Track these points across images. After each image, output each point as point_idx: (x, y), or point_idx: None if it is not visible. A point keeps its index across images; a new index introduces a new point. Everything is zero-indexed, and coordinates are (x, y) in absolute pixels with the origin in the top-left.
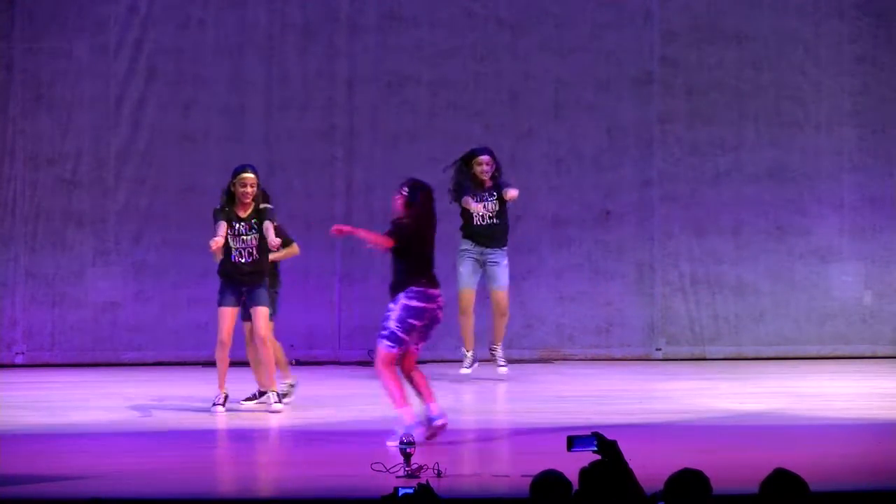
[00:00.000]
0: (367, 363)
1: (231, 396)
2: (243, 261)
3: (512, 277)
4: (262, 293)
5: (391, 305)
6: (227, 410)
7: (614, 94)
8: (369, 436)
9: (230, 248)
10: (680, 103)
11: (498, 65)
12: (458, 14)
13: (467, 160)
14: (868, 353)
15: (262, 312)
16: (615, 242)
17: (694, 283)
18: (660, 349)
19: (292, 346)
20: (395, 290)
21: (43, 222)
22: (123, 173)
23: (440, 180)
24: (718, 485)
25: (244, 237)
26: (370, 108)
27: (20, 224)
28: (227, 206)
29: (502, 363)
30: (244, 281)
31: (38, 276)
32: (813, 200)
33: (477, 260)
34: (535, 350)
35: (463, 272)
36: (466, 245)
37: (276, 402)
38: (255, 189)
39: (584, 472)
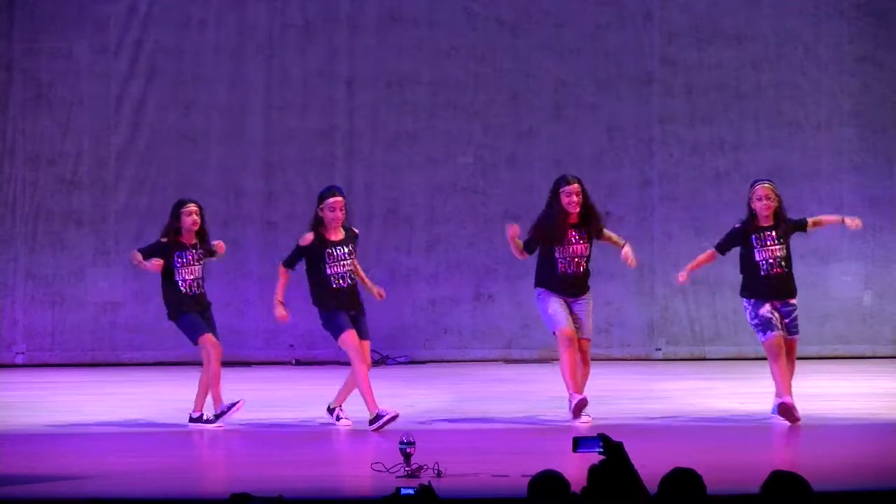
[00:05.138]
0: None
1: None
2: (344, 285)
3: (509, 277)
4: (365, 323)
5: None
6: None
7: (614, 94)
8: (369, 436)
9: (327, 276)
10: (680, 103)
11: (498, 65)
12: (458, 14)
13: (554, 190)
14: (868, 353)
15: (367, 344)
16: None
17: (694, 283)
18: (660, 349)
19: (292, 346)
20: None
21: (43, 222)
22: (123, 173)
23: (444, 181)
24: (718, 485)
25: (342, 262)
26: (370, 108)
27: (20, 224)
28: (318, 233)
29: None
30: (350, 307)
31: (38, 276)
32: (813, 200)
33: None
34: (534, 350)
35: (559, 309)
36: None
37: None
38: (344, 212)
39: (594, 470)
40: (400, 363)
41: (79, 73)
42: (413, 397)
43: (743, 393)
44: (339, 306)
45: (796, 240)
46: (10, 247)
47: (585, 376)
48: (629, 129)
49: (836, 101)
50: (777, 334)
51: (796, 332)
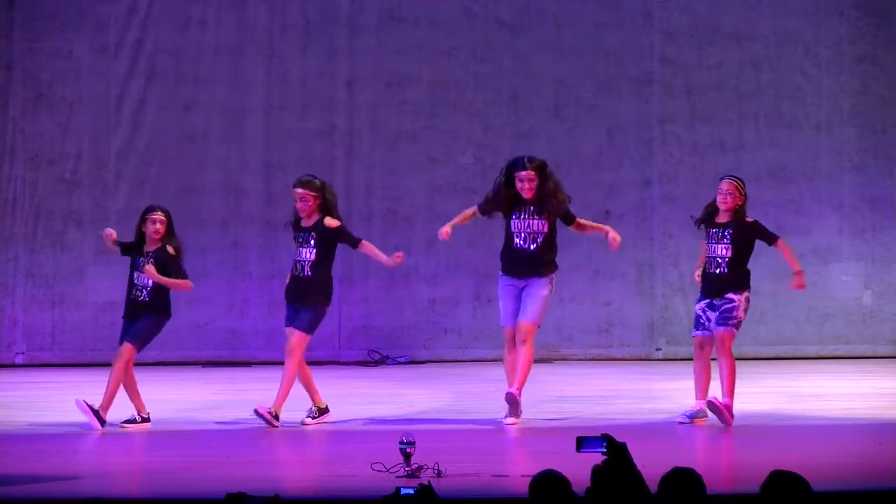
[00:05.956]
0: (368, 363)
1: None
2: (295, 275)
3: None
4: (304, 314)
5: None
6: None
7: (614, 94)
8: (369, 436)
9: (293, 261)
10: (680, 103)
11: (498, 65)
12: (458, 14)
13: (508, 172)
14: (868, 353)
15: (291, 334)
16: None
17: (694, 283)
18: (660, 349)
19: None
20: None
21: (43, 222)
22: (123, 173)
23: (443, 181)
24: (718, 485)
25: (301, 249)
26: (370, 108)
27: (20, 224)
28: (295, 216)
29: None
30: (293, 299)
31: (38, 276)
32: (813, 200)
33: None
34: (534, 350)
35: (506, 304)
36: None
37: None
38: (306, 203)
39: (597, 471)
40: (400, 363)
41: (79, 73)
42: (413, 397)
43: (743, 393)
44: (287, 296)
45: (796, 240)
46: (10, 247)
47: (523, 361)
48: (629, 129)
49: (836, 101)
50: (698, 335)
51: (723, 325)
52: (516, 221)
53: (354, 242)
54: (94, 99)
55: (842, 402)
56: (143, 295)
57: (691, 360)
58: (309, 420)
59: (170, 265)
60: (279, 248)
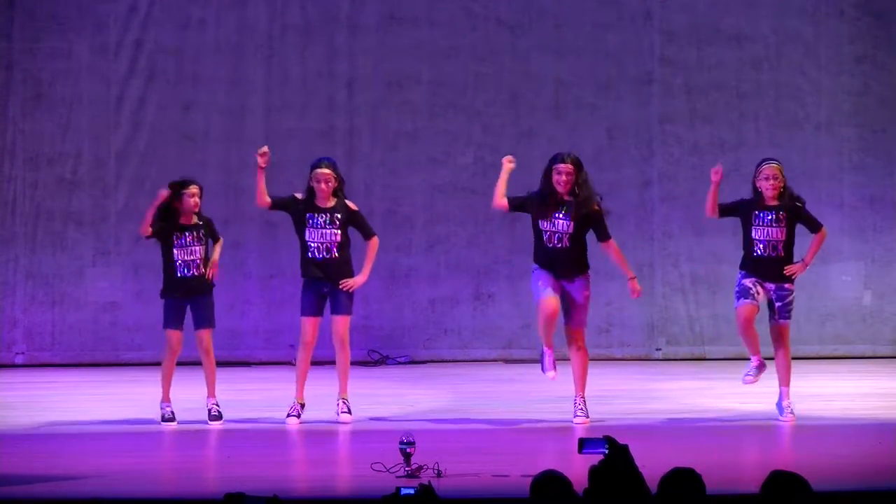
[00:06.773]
0: (368, 363)
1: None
2: (321, 257)
3: (509, 277)
4: (343, 298)
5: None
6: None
7: (614, 94)
8: (369, 436)
9: (306, 241)
10: (680, 103)
11: (498, 65)
12: (458, 14)
13: (548, 165)
14: (868, 353)
15: (342, 321)
16: (615, 242)
17: (694, 283)
18: (660, 349)
19: (292, 345)
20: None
21: (43, 222)
22: (123, 173)
23: (447, 180)
24: (718, 485)
25: (324, 230)
26: (370, 108)
27: (20, 224)
28: (308, 197)
29: (579, 415)
30: (324, 280)
31: (38, 276)
32: (813, 200)
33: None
34: (535, 350)
35: (547, 284)
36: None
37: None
38: (331, 184)
39: (594, 471)
40: (400, 363)
41: (79, 73)
42: (413, 397)
43: (743, 393)
44: (312, 276)
45: (796, 239)
46: (10, 247)
47: (581, 366)
48: (629, 129)
49: (836, 101)
50: (747, 303)
51: (787, 318)
52: (544, 223)
53: (369, 233)
54: (94, 99)
55: (842, 402)
56: (200, 269)
57: (691, 360)
58: (346, 416)
59: (215, 230)
60: (279, 248)
